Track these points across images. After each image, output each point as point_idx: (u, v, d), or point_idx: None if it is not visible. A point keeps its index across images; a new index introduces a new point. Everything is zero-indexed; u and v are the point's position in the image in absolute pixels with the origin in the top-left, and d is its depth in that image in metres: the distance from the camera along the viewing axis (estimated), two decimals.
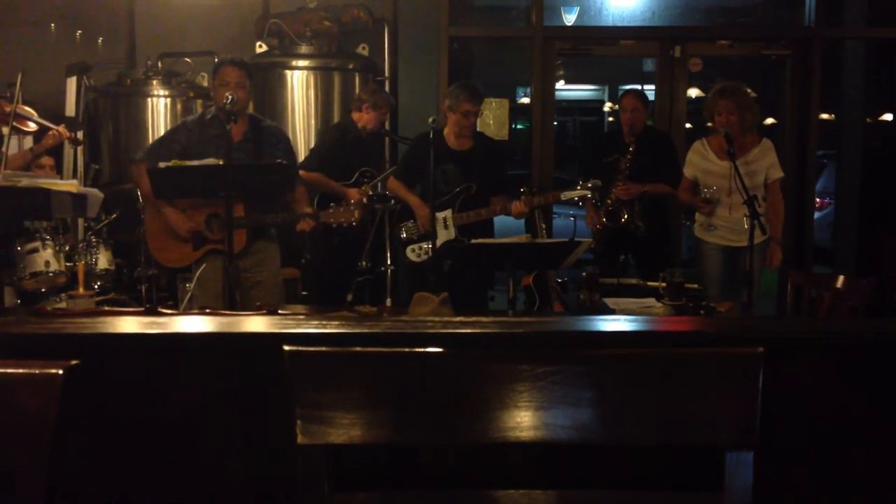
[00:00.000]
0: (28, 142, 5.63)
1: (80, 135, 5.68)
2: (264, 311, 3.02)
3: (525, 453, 1.24)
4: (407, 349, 1.15)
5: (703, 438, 1.19)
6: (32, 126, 5.02)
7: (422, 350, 1.15)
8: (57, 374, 1.00)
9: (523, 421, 1.13)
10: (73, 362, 1.03)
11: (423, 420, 1.15)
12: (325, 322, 1.25)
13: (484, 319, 1.27)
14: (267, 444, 1.27)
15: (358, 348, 1.15)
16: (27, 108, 4.99)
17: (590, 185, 4.69)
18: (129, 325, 1.35)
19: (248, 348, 1.27)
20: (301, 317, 1.31)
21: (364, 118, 5.35)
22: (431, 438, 1.17)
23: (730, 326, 1.41)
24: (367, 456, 1.23)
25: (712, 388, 1.17)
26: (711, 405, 1.17)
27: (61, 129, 5.00)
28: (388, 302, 5.07)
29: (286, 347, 1.13)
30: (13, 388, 1.01)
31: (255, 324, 1.32)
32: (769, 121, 9.70)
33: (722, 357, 1.18)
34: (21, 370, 1.02)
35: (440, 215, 4.83)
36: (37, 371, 1.01)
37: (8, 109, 4.72)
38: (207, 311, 3.54)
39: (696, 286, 4.26)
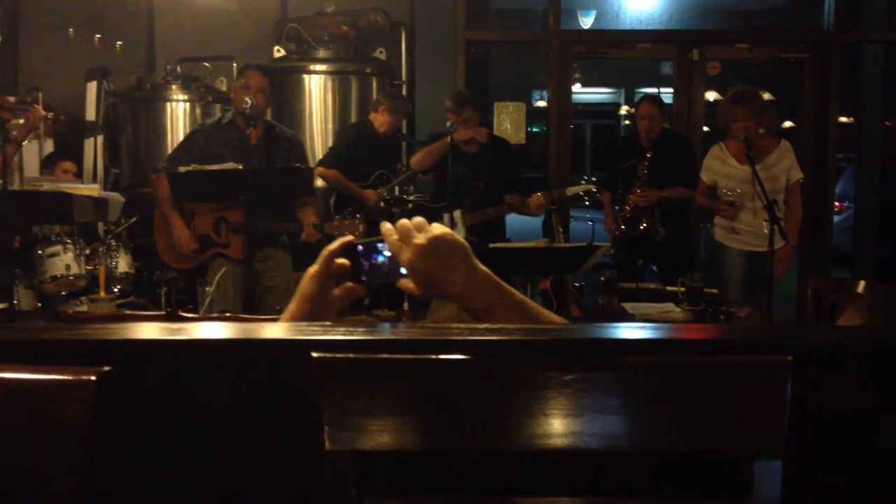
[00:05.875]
0: (49, 146, 5.68)
1: (100, 139, 5.72)
2: None
3: (552, 461, 1.24)
4: (434, 356, 1.15)
5: (730, 447, 1.19)
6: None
7: (449, 357, 1.15)
8: (90, 380, 1.01)
9: (551, 428, 1.13)
10: (106, 368, 1.03)
11: (450, 427, 1.15)
12: (351, 329, 1.25)
13: (510, 326, 1.27)
14: (294, 450, 1.27)
15: (385, 355, 1.15)
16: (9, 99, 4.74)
17: (594, 179, 4.75)
18: (158, 331, 1.36)
19: (276, 355, 1.27)
20: (327, 323, 1.32)
21: (379, 119, 5.36)
22: (459, 445, 1.17)
23: (758, 334, 1.40)
24: (394, 462, 1.24)
25: (740, 396, 1.16)
26: (739, 413, 1.16)
27: (36, 108, 4.78)
28: (406, 306, 5.07)
29: (314, 354, 1.14)
30: (47, 393, 1.02)
31: (283, 330, 1.33)
32: (788, 124, 9.64)
33: (750, 365, 1.17)
34: (55, 376, 1.03)
35: (449, 215, 4.89)
36: (70, 377, 1.01)
37: (40, 114, 4.62)
38: (228, 315, 3.57)
39: (715, 291, 4.25)
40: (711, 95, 7.81)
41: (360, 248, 1.42)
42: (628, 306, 3.97)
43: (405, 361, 1.14)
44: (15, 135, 4.70)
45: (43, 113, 4.78)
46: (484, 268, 1.36)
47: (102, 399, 1.08)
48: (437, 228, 1.33)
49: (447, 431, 1.14)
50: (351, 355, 1.14)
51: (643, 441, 1.15)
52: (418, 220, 1.34)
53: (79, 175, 5.42)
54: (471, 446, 1.17)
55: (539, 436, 1.12)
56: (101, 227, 4.90)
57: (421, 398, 1.13)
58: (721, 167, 4.77)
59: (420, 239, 1.31)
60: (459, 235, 1.37)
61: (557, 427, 1.12)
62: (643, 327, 1.37)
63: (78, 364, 1.12)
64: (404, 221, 1.34)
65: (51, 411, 1.01)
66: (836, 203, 7.59)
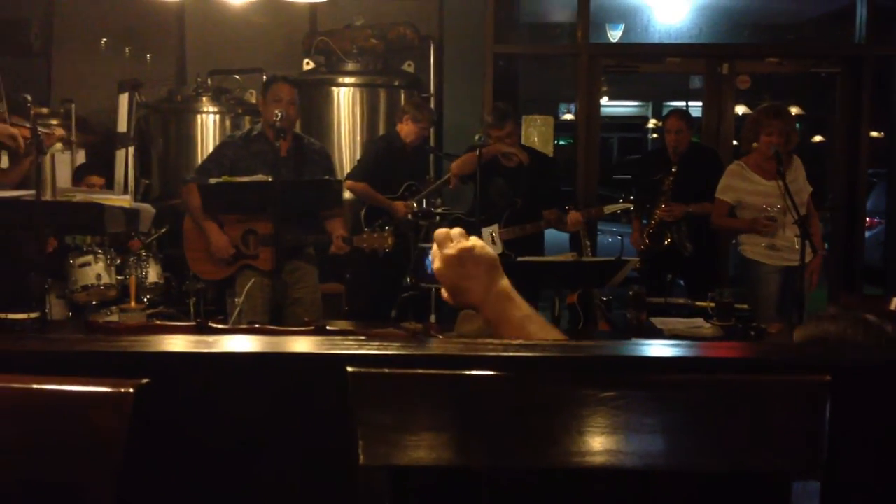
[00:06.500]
0: (81, 157, 5.74)
1: (131, 150, 5.78)
2: (312, 328, 3.05)
3: (587, 478, 1.23)
4: (469, 372, 1.15)
5: (768, 467, 1.17)
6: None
7: (484, 373, 1.15)
8: (128, 392, 1.02)
9: (586, 446, 1.12)
10: (144, 381, 1.04)
11: (485, 443, 1.14)
12: (386, 344, 1.25)
13: (544, 343, 1.26)
14: (328, 464, 1.27)
15: (420, 370, 1.15)
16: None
17: (631, 197, 4.73)
18: (193, 343, 1.37)
19: (311, 369, 1.27)
20: (362, 338, 1.32)
21: (405, 129, 5.36)
22: (494, 462, 1.16)
23: (796, 353, 1.39)
24: (429, 477, 1.23)
25: (778, 416, 1.15)
26: (777, 433, 1.15)
27: (55, 129, 4.81)
28: (433, 318, 5.07)
29: (349, 368, 1.14)
30: (87, 405, 1.03)
31: (318, 345, 1.33)
32: (818, 138, 9.56)
33: (788, 384, 1.16)
34: (94, 388, 1.04)
35: (487, 230, 4.84)
36: (110, 389, 1.02)
37: (58, 133, 4.68)
38: (257, 326, 3.59)
39: (745, 306, 4.20)
40: (741, 109, 7.75)
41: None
42: (657, 321, 3.95)
43: (440, 377, 1.14)
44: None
45: (61, 132, 4.83)
46: (505, 283, 1.39)
47: (139, 411, 1.09)
48: (471, 241, 1.36)
49: (482, 448, 1.14)
50: (386, 370, 1.14)
51: (680, 460, 1.14)
52: (457, 230, 1.38)
53: (110, 186, 5.47)
54: (506, 463, 1.17)
55: (574, 453, 1.12)
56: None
57: (456, 414, 1.13)
58: (745, 185, 4.68)
59: (450, 249, 1.36)
60: (490, 249, 1.39)
61: (593, 445, 1.12)
62: (679, 345, 1.36)
63: (113, 375, 1.13)
64: (445, 231, 1.37)
65: (90, 423, 1.01)
66: (867, 219, 7.49)
